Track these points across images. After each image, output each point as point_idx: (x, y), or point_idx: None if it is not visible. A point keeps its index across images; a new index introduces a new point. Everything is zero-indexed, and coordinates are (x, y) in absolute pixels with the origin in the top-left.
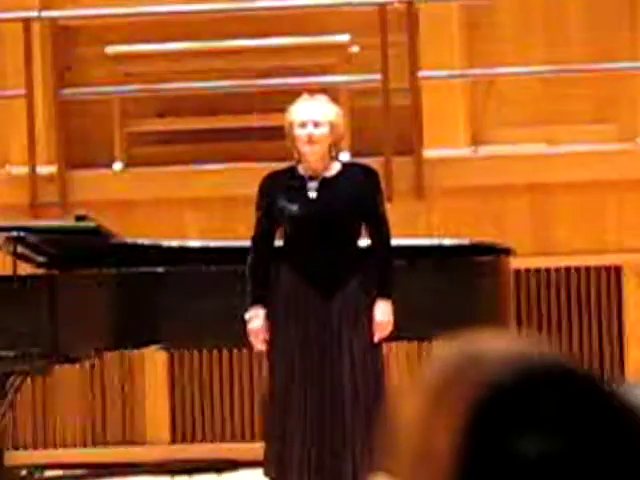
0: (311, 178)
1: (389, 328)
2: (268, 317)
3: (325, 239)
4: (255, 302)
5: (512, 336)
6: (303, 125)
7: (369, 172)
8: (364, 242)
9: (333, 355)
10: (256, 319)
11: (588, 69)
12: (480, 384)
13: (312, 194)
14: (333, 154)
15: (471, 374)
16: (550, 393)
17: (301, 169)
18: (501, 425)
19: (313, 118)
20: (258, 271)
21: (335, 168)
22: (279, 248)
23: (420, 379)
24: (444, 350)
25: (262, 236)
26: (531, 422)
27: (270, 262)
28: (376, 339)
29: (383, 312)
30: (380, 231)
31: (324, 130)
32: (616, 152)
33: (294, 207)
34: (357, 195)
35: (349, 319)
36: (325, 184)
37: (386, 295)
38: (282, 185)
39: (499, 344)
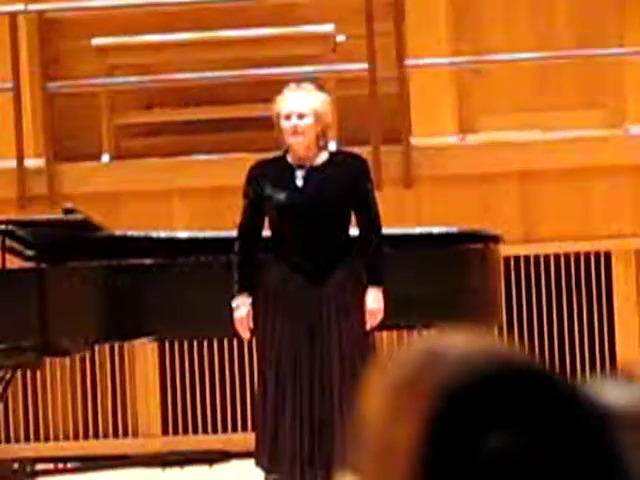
0: (299, 167)
1: (380, 316)
2: (256, 306)
3: (312, 227)
4: (241, 290)
5: (473, 334)
6: (288, 117)
7: (358, 160)
8: (353, 230)
9: (323, 343)
10: (242, 307)
11: (575, 55)
12: (441, 382)
13: (299, 182)
14: (321, 143)
15: (433, 372)
16: (511, 390)
17: (289, 158)
18: (462, 423)
19: (297, 109)
20: (245, 259)
21: (323, 157)
22: (267, 237)
23: (384, 376)
24: (407, 348)
25: (249, 224)
26: (492, 419)
27: (257, 250)
28: (368, 327)
29: (374, 299)
30: (370, 218)
31: (309, 121)
32: (604, 138)
33: (281, 196)
34: (345, 183)
35: (338, 307)
36: (312, 173)
37: (377, 282)
38: (270, 174)
39: (460, 342)
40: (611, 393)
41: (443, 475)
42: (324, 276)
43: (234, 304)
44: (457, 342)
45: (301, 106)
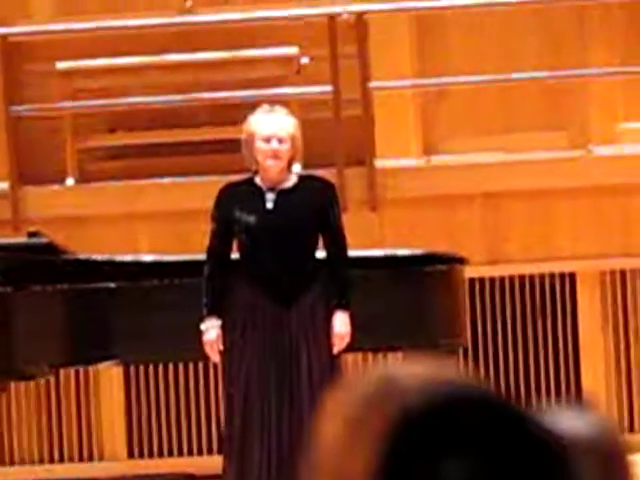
0: (269, 190)
1: (347, 339)
2: (225, 329)
3: (282, 250)
4: (210, 313)
5: (428, 361)
6: (267, 140)
7: (326, 184)
8: (321, 253)
9: (292, 367)
10: (212, 330)
11: (538, 77)
12: (396, 410)
13: (269, 205)
14: (292, 167)
15: (387, 400)
16: (466, 419)
17: (258, 180)
18: (416, 450)
19: (277, 134)
20: (214, 282)
21: (292, 180)
22: (236, 259)
23: (338, 402)
24: (363, 374)
25: (218, 247)
26: (447, 447)
27: (226, 273)
28: (335, 350)
29: (342, 323)
30: (337, 243)
31: (287, 145)
32: (568, 160)
33: (251, 218)
34: (314, 207)
35: (307, 330)
36: (283, 195)
37: (344, 306)
38: (239, 196)
39: (415, 370)
40: (565, 421)
41: None
42: (293, 299)
43: (203, 327)
44: (412, 370)
45: (281, 130)
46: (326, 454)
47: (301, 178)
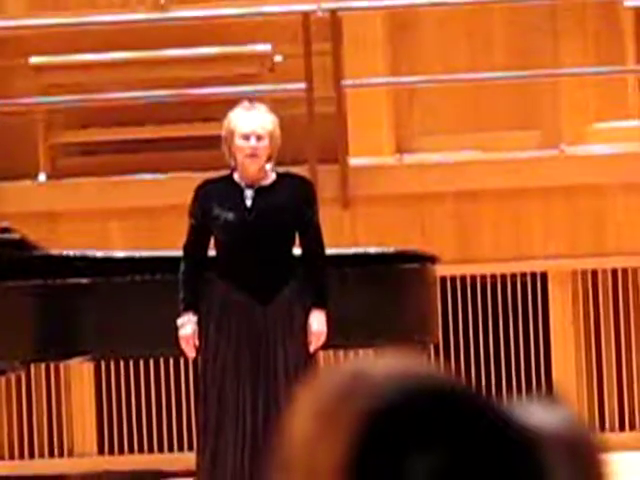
0: (247, 187)
1: (324, 338)
2: (200, 325)
3: (260, 248)
4: (187, 309)
5: (398, 356)
6: (246, 137)
7: (304, 182)
8: (299, 252)
9: (268, 365)
10: (188, 325)
11: (511, 76)
12: (366, 404)
13: (248, 202)
14: (270, 164)
15: (357, 394)
16: (435, 412)
17: (237, 177)
18: (386, 445)
19: (256, 131)
20: (190, 278)
21: (271, 177)
22: (213, 256)
23: (308, 398)
24: (332, 369)
25: (195, 244)
26: (416, 442)
27: (203, 270)
28: (311, 349)
29: (319, 322)
30: (314, 241)
31: (265, 143)
32: (540, 159)
33: (229, 215)
34: (292, 205)
35: (284, 328)
36: (261, 193)
37: (321, 305)
38: (217, 193)
39: (385, 365)
40: (535, 415)
41: None
42: (269, 297)
43: (179, 322)
44: (382, 365)
45: (260, 128)
46: (296, 449)
47: (280, 175)
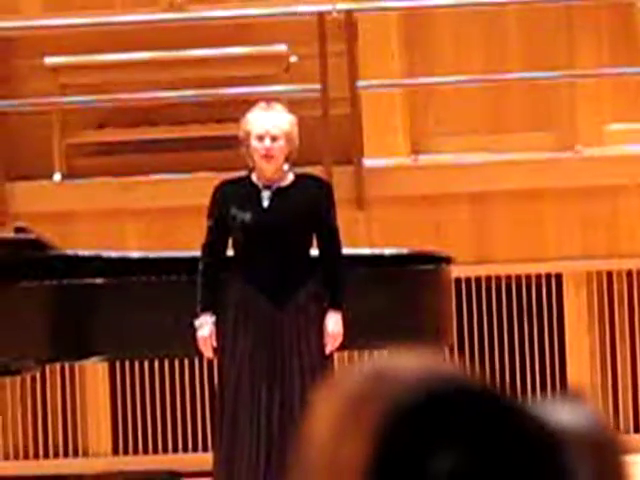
0: (265, 187)
1: (340, 339)
2: (218, 326)
3: (277, 249)
4: (205, 309)
5: (421, 354)
6: (261, 138)
7: (323, 184)
8: (316, 253)
9: (284, 366)
10: (206, 326)
11: (526, 77)
12: (389, 402)
13: (265, 203)
14: (288, 165)
15: (380, 392)
16: (458, 411)
17: (255, 178)
18: (409, 443)
19: (271, 132)
20: (208, 279)
21: (289, 178)
22: (230, 257)
23: (329, 397)
24: (353, 368)
25: (213, 244)
26: (440, 440)
27: (221, 270)
28: (327, 350)
29: (335, 323)
30: (332, 242)
31: (281, 143)
32: (555, 160)
33: (247, 216)
34: (310, 206)
35: (300, 329)
36: (278, 194)
37: (337, 306)
38: (235, 194)
39: (408, 362)
40: (559, 414)
41: None
42: (287, 297)
43: (197, 323)
44: (405, 362)
45: (275, 128)
46: (317, 450)
47: (298, 176)
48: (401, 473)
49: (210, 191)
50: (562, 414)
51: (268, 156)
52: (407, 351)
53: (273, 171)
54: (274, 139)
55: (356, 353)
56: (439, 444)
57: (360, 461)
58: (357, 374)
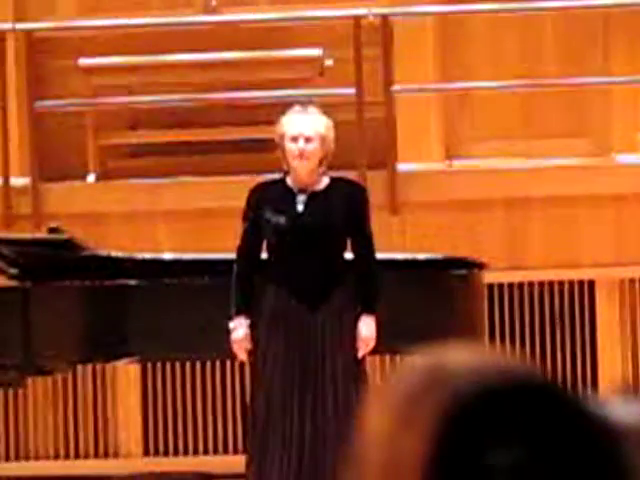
0: (300, 191)
1: (372, 344)
2: (251, 328)
3: (311, 252)
4: (239, 312)
5: (478, 348)
6: (294, 139)
7: (358, 188)
8: (350, 257)
9: (316, 370)
10: (240, 328)
11: (562, 83)
12: (448, 397)
13: (300, 207)
14: (323, 168)
15: (438, 387)
16: (518, 404)
17: (290, 181)
18: (470, 438)
19: (305, 133)
20: (243, 282)
21: (324, 182)
22: (265, 260)
23: (386, 393)
24: (410, 364)
25: (247, 247)
26: (500, 434)
27: (255, 273)
28: (360, 354)
29: (367, 327)
30: (365, 247)
31: (315, 145)
32: (590, 167)
33: (281, 219)
34: (345, 210)
35: (333, 333)
36: (313, 198)
37: (371, 310)
38: (270, 197)
39: (465, 357)
40: (618, 409)
41: None
42: (320, 301)
43: (231, 325)
44: (462, 356)
45: (308, 129)
46: (375, 447)
47: (333, 180)
48: (461, 466)
49: (243, 194)
50: (621, 409)
51: (302, 156)
52: (463, 346)
53: (307, 172)
54: (308, 140)
55: (388, 358)
56: (499, 438)
57: (420, 455)
58: (414, 368)
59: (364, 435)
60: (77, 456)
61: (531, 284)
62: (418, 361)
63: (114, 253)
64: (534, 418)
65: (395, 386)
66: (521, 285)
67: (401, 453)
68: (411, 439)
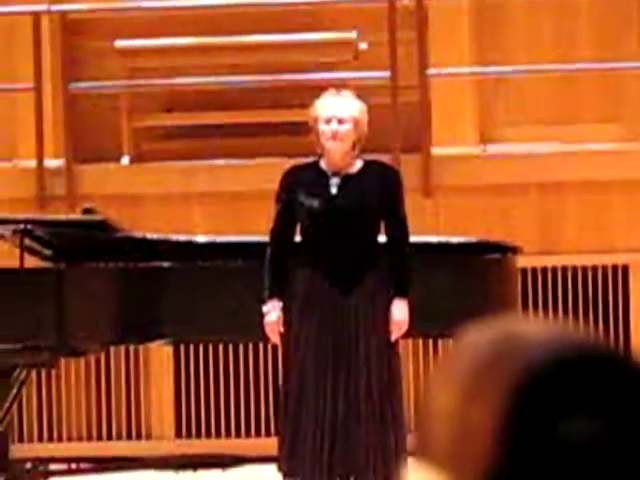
0: (333, 174)
1: (405, 327)
2: (285, 311)
3: (344, 235)
4: (272, 295)
5: (545, 320)
6: (328, 121)
7: (391, 171)
8: (383, 240)
9: (349, 353)
10: (273, 312)
11: (596, 68)
12: (519, 367)
13: (333, 190)
14: (356, 151)
15: (509, 357)
16: (591, 375)
17: (323, 164)
18: (543, 409)
19: (338, 115)
20: (276, 265)
21: (357, 165)
22: (298, 243)
23: (450, 367)
24: (476, 334)
25: (281, 230)
26: (573, 405)
27: (289, 256)
28: (392, 338)
29: (400, 311)
30: (399, 230)
31: (348, 127)
32: (624, 152)
33: (314, 202)
34: (378, 193)
35: (366, 316)
36: (347, 181)
37: (403, 294)
38: (304, 180)
39: (535, 327)
40: None
41: (523, 459)
42: (353, 284)
43: (265, 309)
44: (533, 327)
45: (342, 111)
46: (445, 419)
47: (366, 163)
48: (533, 436)
49: (277, 177)
50: None
51: (335, 137)
52: (528, 318)
53: (340, 154)
54: (341, 122)
55: (421, 341)
56: (572, 409)
57: (489, 428)
58: (480, 341)
59: (430, 411)
60: (110, 438)
61: (564, 268)
62: (484, 334)
63: (148, 235)
64: (607, 388)
65: (460, 360)
66: (554, 269)
67: (474, 421)
68: (480, 412)
